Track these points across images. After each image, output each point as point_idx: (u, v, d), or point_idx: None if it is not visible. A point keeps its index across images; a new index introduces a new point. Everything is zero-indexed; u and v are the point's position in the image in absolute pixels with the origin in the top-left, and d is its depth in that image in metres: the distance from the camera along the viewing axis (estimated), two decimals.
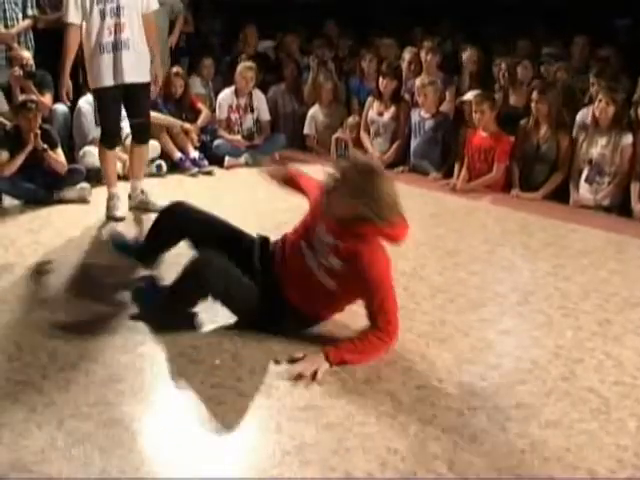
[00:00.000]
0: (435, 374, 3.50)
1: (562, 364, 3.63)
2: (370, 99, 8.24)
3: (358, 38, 10.32)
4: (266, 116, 8.47)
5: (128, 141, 6.94)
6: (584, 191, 6.60)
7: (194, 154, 7.74)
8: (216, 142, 8.09)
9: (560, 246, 5.45)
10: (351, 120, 8.34)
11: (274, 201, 6.45)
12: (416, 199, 6.48)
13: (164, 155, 7.62)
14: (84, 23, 5.66)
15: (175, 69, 8.12)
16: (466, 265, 4.95)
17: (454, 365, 3.59)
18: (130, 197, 6.28)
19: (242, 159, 8.02)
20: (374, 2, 11.56)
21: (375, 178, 3.55)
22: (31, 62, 7.45)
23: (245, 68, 8.26)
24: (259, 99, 8.42)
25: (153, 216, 5.34)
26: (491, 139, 6.92)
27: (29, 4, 7.84)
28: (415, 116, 7.68)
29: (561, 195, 6.77)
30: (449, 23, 10.64)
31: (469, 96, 7.34)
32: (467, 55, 8.45)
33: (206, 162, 7.73)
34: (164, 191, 6.59)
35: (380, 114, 8.08)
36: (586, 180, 6.60)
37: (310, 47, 10.08)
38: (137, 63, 5.77)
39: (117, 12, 5.63)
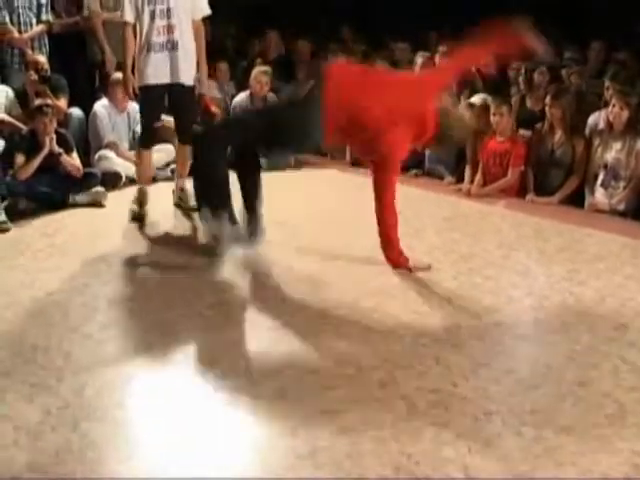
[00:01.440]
0: (450, 378, 3.49)
1: (577, 369, 3.61)
2: None
3: (372, 42, 10.32)
4: None
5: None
6: (599, 195, 6.57)
7: None
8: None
9: (575, 251, 5.43)
10: None
11: (289, 205, 6.50)
12: (430, 203, 6.48)
13: None
14: (137, 23, 5.87)
15: None
16: (481, 270, 4.93)
17: (469, 370, 3.58)
18: (173, 193, 6.48)
19: None
20: (389, 6, 11.57)
21: None
22: (46, 66, 7.48)
23: (260, 72, 8.27)
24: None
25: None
26: (506, 143, 6.90)
27: (44, 9, 7.87)
28: None
29: (576, 200, 6.74)
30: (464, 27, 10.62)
31: (476, 100, 7.32)
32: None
33: None
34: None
35: None
36: (601, 184, 6.58)
37: (324, 52, 10.07)
38: (185, 64, 5.92)
39: (167, 14, 5.81)
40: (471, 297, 4.47)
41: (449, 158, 7.49)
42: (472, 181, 7.05)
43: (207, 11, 6.08)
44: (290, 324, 4.06)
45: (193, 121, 6.30)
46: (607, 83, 7.13)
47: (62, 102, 7.49)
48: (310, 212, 6.29)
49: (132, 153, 7.25)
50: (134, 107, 7.23)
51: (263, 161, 7.90)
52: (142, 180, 6.32)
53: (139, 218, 6.06)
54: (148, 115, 6.17)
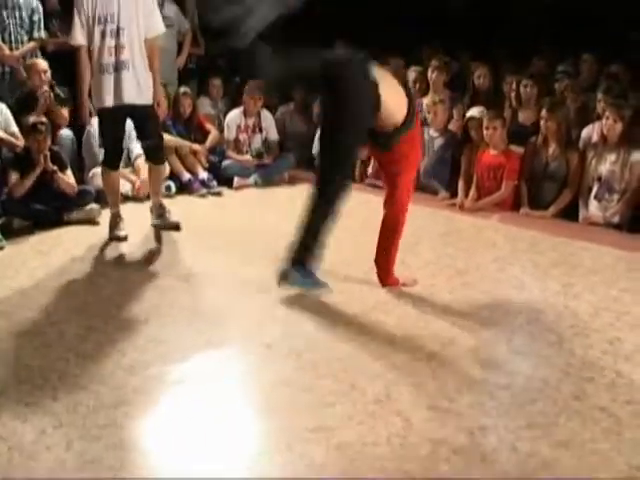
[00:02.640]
0: (445, 394, 3.48)
1: (573, 383, 3.61)
2: None
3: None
4: (274, 136, 8.48)
5: (138, 162, 7.01)
6: (593, 208, 6.58)
7: (203, 175, 7.77)
8: (225, 163, 8.12)
9: (570, 264, 5.43)
10: None
11: (283, 222, 6.46)
12: (425, 218, 6.48)
13: (173, 176, 7.63)
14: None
15: (183, 89, 8.19)
16: (476, 284, 4.94)
17: (464, 385, 3.57)
18: (151, 212, 6.41)
19: (251, 180, 8.04)
20: (382, 21, 11.60)
21: None
22: (49, 73, 7.52)
23: (253, 87, 8.30)
24: (267, 119, 8.45)
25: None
26: (500, 157, 6.91)
27: (36, 27, 7.87)
28: (424, 135, 7.68)
29: (570, 213, 6.75)
30: (457, 42, 10.68)
31: (475, 113, 7.34)
32: (478, 73, 8.47)
33: (215, 183, 7.77)
34: (173, 212, 6.59)
35: None
36: (595, 197, 6.59)
37: None
38: (138, 85, 5.83)
39: (117, 33, 5.72)
40: (466, 312, 4.48)
41: (443, 173, 7.50)
42: (466, 195, 7.06)
43: (161, 29, 6.01)
44: (285, 341, 4.06)
45: (158, 140, 6.19)
46: (600, 96, 7.14)
47: (65, 112, 7.57)
48: None
49: (126, 170, 7.26)
50: (129, 124, 7.25)
51: (257, 177, 8.01)
52: (111, 202, 6.25)
53: (119, 239, 6.04)
54: (106, 138, 6.12)
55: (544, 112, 6.90)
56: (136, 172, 7.23)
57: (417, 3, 11.04)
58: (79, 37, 5.75)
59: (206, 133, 8.23)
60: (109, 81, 5.75)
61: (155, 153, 6.18)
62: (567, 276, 5.15)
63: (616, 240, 6.04)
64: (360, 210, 5.50)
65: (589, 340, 4.11)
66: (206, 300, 4.73)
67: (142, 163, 7.07)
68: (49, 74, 7.56)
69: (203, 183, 7.71)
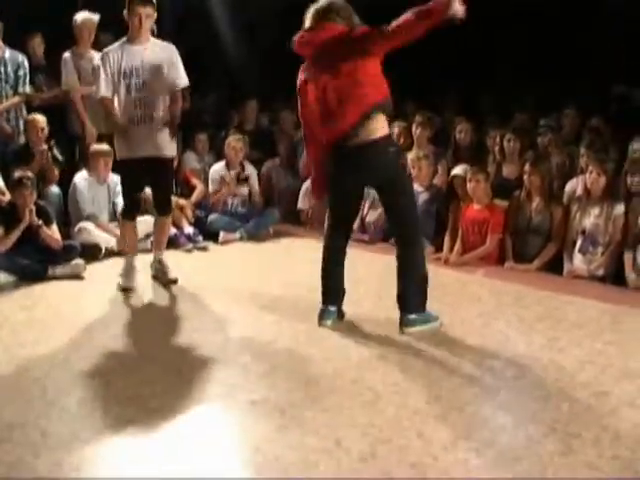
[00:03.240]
0: (430, 451, 3.46)
1: (559, 439, 3.59)
2: None
3: None
4: (257, 188, 8.58)
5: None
6: (578, 261, 6.61)
7: (189, 230, 7.79)
8: (211, 217, 8.14)
9: (555, 318, 5.44)
10: None
11: (269, 276, 6.51)
12: None
13: None
14: (115, 97, 5.98)
15: None
16: (461, 339, 4.92)
17: (449, 442, 3.55)
18: (151, 266, 6.46)
19: (237, 234, 8.06)
20: None
21: None
22: (47, 130, 7.64)
23: (234, 140, 8.40)
24: (250, 171, 8.50)
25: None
26: (485, 211, 6.95)
27: (21, 82, 7.92)
28: None
29: (555, 266, 6.78)
30: (441, 97, 10.81)
31: (459, 171, 7.38)
32: (460, 128, 8.55)
33: (201, 238, 7.78)
34: None
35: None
36: (580, 250, 6.62)
37: None
38: (160, 138, 5.99)
39: (143, 87, 5.91)
40: (451, 367, 4.46)
41: (428, 227, 7.52)
42: (451, 249, 7.08)
43: (185, 82, 6.12)
44: (269, 397, 4.04)
45: (170, 193, 6.44)
46: (583, 150, 7.21)
47: (56, 171, 7.73)
48: (290, 281, 6.29)
49: (112, 225, 7.28)
50: (114, 179, 7.27)
51: (243, 231, 8.03)
52: (128, 250, 6.36)
53: (126, 289, 6.07)
54: (129, 188, 6.19)
55: (527, 166, 6.96)
56: (120, 226, 7.22)
57: (399, 59, 11.11)
58: (104, 89, 5.89)
59: (192, 188, 8.28)
60: (133, 134, 5.92)
61: (166, 205, 6.33)
62: (552, 330, 5.15)
63: (600, 293, 6.06)
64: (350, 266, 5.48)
65: (575, 394, 4.10)
66: (190, 357, 4.70)
67: None
68: (47, 131, 7.62)
69: (189, 238, 7.72)
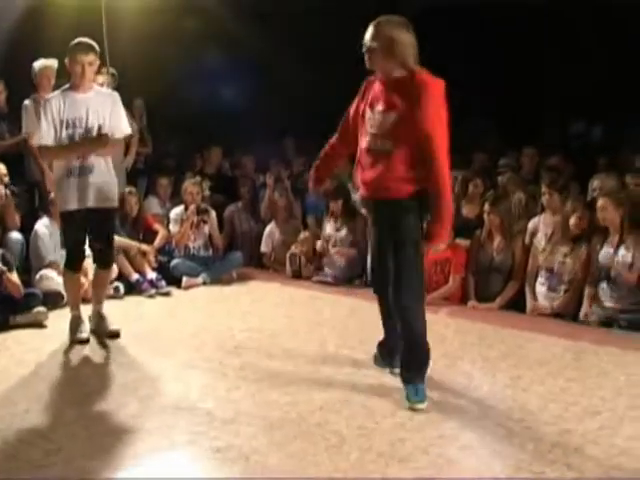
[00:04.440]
0: None
1: (524, 479, 3.59)
2: (327, 216, 8.31)
3: (315, 154, 10.49)
4: (217, 230, 8.61)
5: (86, 263, 6.98)
6: (541, 299, 6.67)
7: (151, 275, 7.76)
8: (173, 262, 8.13)
9: (518, 356, 5.46)
10: (303, 236, 8.40)
11: (232, 321, 6.48)
12: (374, 314, 6.44)
13: (121, 277, 7.61)
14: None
15: (128, 189, 8.24)
16: (426, 380, 4.92)
17: None
18: (90, 320, 6.24)
19: (200, 279, 8.04)
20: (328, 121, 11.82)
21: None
22: (7, 179, 7.59)
23: (190, 184, 8.46)
24: (209, 213, 8.50)
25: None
26: (446, 251, 6.97)
27: None
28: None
29: (518, 304, 6.83)
30: None
31: None
32: None
33: (164, 283, 7.75)
34: (122, 313, 6.57)
35: (337, 230, 8.16)
36: (542, 288, 6.68)
37: (266, 165, 10.23)
38: (102, 189, 5.85)
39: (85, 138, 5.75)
40: (415, 410, 4.45)
41: None
42: None
43: (126, 131, 6.03)
44: (234, 443, 4.00)
45: (112, 245, 6.22)
46: (544, 188, 7.28)
47: (17, 217, 7.66)
48: (253, 326, 6.27)
49: None
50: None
51: (206, 276, 8.01)
52: (73, 304, 6.18)
53: (81, 341, 5.98)
54: (69, 241, 6.07)
55: (487, 206, 7.03)
56: (84, 274, 7.19)
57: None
58: (47, 137, 5.72)
59: (154, 233, 8.26)
60: (74, 185, 5.77)
61: (106, 257, 6.13)
62: (516, 368, 5.17)
63: (563, 330, 6.11)
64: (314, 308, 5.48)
65: (539, 433, 4.11)
66: (153, 404, 4.65)
67: (88, 263, 7.06)
68: (7, 178, 7.59)
69: (152, 283, 7.69)
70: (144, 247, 7.94)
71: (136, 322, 6.53)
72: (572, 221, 6.62)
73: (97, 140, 5.72)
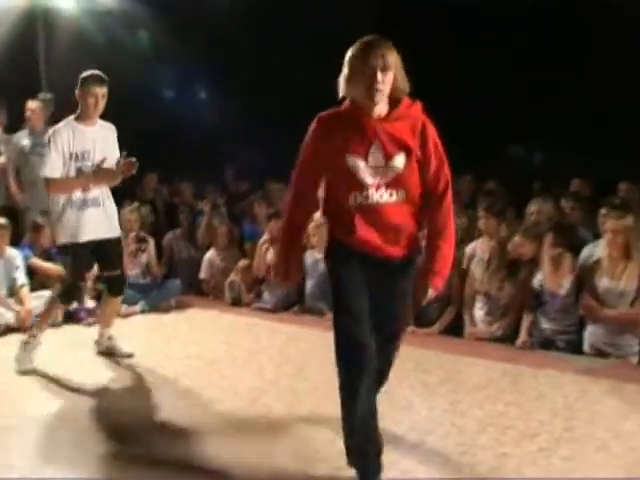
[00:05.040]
0: None
1: None
2: (265, 242, 8.28)
3: (254, 182, 10.53)
4: (155, 257, 8.59)
5: (23, 291, 6.92)
6: (479, 323, 6.72)
7: (89, 304, 7.66)
8: None
9: (457, 381, 5.49)
10: (242, 263, 8.37)
11: (170, 349, 6.44)
12: (312, 341, 6.51)
13: None
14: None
15: None
16: None
17: None
18: (97, 343, 6.35)
19: (138, 307, 7.99)
20: (267, 149, 11.89)
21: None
22: None
23: (128, 212, 8.40)
24: (148, 241, 8.46)
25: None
26: None
27: None
28: (309, 257, 7.77)
29: (457, 328, 6.87)
30: None
31: None
32: None
33: None
34: (60, 342, 6.50)
35: None
36: (481, 312, 6.73)
37: (203, 192, 10.21)
38: (107, 220, 5.89)
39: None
40: None
41: (329, 294, 7.53)
42: None
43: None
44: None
45: (123, 271, 6.24)
46: (481, 213, 7.33)
47: None
48: (191, 354, 6.24)
49: (10, 301, 7.13)
50: (12, 253, 7.18)
51: (144, 304, 7.94)
52: (42, 329, 6.12)
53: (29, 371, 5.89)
54: (74, 272, 5.98)
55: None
56: (20, 301, 7.12)
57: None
58: (56, 170, 5.68)
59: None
60: (80, 217, 5.76)
61: (119, 285, 6.17)
62: (454, 393, 5.20)
63: (501, 354, 6.16)
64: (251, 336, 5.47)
65: (476, 458, 4.13)
66: (87, 435, 4.59)
67: (26, 293, 7.00)
68: None
69: (89, 312, 7.59)
70: None
71: (74, 351, 6.46)
72: (510, 246, 6.71)
73: (110, 174, 5.75)
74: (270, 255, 8.17)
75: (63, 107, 9.48)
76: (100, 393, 5.34)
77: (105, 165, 5.75)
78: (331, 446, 4.30)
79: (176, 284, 8.43)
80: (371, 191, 3.67)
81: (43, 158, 5.84)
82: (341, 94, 3.74)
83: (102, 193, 5.85)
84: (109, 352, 6.25)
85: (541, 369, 5.71)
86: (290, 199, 3.95)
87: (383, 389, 5.20)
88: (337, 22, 10.25)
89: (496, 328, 6.63)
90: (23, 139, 8.74)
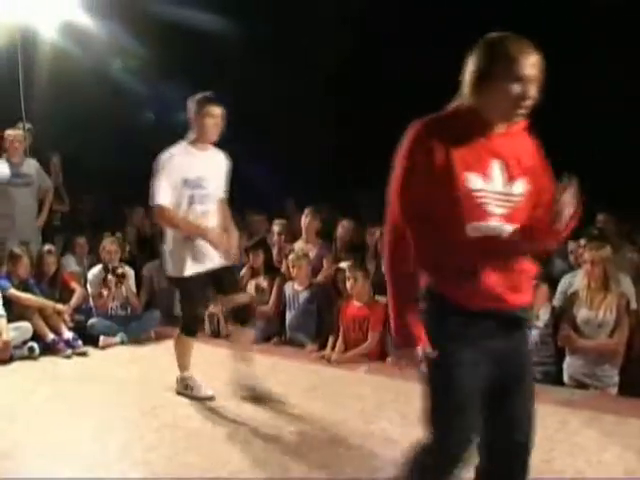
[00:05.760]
0: None
1: None
2: (245, 273, 8.26)
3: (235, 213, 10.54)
4: (134, 288, 8.54)
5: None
6: None
7: (68, 335, 7.61)
8: (90, 321, 8.01)
9: None
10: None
11: (149, 381, 6.40)
12: (292, 372, 6.50)
13: (36, 337, 7.45)
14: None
15: (47, 247, 8.17)
16: (344, 440, 4.90)
17: None
18: (241, 386, 5.81)
19: (117, 338, 7.93)
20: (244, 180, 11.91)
21: None
22: None
23: (108, 243, 8.37)
24: (127, 271, 8.42)
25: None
26: (365, 308, 7.01)
27: None
28: (289, 289, 7.77)
29: None
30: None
31: (343, 265, 7.47)
32: (342, 225, 8.64)
33: (80, 342, 7.60)
34: (37, 374, 6.46)
35: (256, 288, 8.12)
36: None
37: None
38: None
39: (205, 199, 5.55)
40: (334, 469, 4.43)
41: (309, 325, 7.56)
42: (334, 347, 7.09)
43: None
44: None
45: (245, 298, 6.03)
46: None
47: None
48: (171, 385, 6.19)
49: None
50: None
51: (123, 335, 7.90)
52: (185, 366, 5.96)
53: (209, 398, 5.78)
54: (193, 305, 5.83)
55: None
56: None
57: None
58: (164, 197, 5.43)
59: (71, 291, 8.14)
60: (196, 248, 5.55)
61: (246, 312, 5.89)
62: None
63: None
64: (221, 366, 5.42)
65: None
66: (66, 467, 4.54)
67: (3, 324, 6.96)
68: None
69: (68, 343, 7.54)
70: (59, 306, 7.80)
71: (52, 383, 6.41)
72: None
73: (220, 240, 5.54)
74: (250, 287, 8.15)
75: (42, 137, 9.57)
76: (78, 426, 5.30)
77: (211, 189, 5.59)
78: (309, 471, 4.29)
79: (155, 315, 8.39)
80: (497, 222, 2.88)
81: (153, 184, 5.46)
82: (463, 101, 2.92)
83: (216, 221, 5.64)
84: (258, 396, 5.72)
85: None
86: (391, 238, 3.04)
87: (362, 420, 5.23)
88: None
89: None
90: (1, 169, 8.68)
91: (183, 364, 5.94)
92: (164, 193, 5.42)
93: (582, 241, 6.63)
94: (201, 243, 5.51)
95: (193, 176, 5.49)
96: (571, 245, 7.16)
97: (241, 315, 5.82)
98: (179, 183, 5.46)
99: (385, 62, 11.78)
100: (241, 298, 5.91)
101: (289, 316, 7.74)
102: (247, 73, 12.28)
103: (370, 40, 12.06)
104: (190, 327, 5.85)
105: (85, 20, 10.40)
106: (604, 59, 10.49)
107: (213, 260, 5.61)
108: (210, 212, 5.61)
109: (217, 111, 5.49)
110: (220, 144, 5.71)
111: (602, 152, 10.52)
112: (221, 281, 5.76)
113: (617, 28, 10.50)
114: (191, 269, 5.58)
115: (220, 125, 5.54)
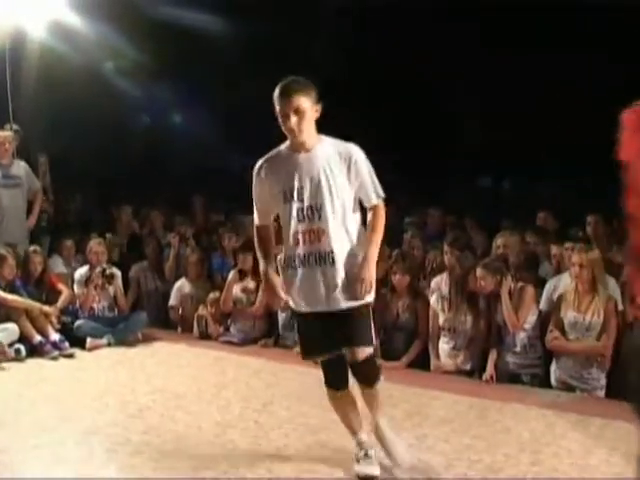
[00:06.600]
0: None
1: None
2: (233, 275, 8.22)
3: (225, 214, 10.53)
4: (122, 289, 8.52)
5: None
6: (444, 357, 6.72)
7: (54, 336, 7.57)
8: (77, 323, 7.97)
9: (423, 415, 5.48)
10: (211, 296, 8.30)
11: (136, 383, 6.38)
12: (281, 375, 6.48)
13: (23, 339, 7.42)
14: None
15: (33, 248, 8.16)
16: (330, 442, 4.89)
17: None
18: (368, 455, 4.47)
19: (104, 340, 7.90)
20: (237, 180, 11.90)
21: None
22: None
23: (95, 244, 8.35)
24: (114, 272, 8.40)
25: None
26: None
27: None
28: None
29: (424, 361, 6.86)
30: None
31: None
32: None
33: (67, 344, 7.57)
34: (23, 376, 6.42)
35: (243, 290, 8.08)
36: (446, 346, 6.73)
37: (172, 223, 10.17)
38: (344, 283, 4.14)
39: (311, 214, 4.15)
40: (317, 471, 4.43)
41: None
42: None
43: (381, 193, 4.29)
44: None
45: (373, 355, 4.37)
46: (446, 247, 7.32)
47: None
48: (157, 388, 6.19)
49: None
50: None
51: (110, 337, 7.87)
52: (352, 429, 4.56)
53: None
54: (309, 349, 4.44)
55: (393, 265, 7.06)
56: None
57: None
58: (256, 219, 4.38)
59: (58, 293, 8.11)
60: (299, 279, 4.21)
61: (371, 370, 4.38)
62: (420, 427, 5.19)
63: (468, 387, 6.17)
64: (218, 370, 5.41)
65: None
66: (53, 472, 4.52)
67: None
68: None
69: (54, 345, 7.50)
70: (46, 308, 7.76)
71: (38, 385, 6.39)
72: (470, 279, 6.72)
73: (274, 292, 4.30)
74: (238, 288, 8.12)
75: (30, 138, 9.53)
76: (64, 428, 5.27)
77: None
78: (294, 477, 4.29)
79: (142, 317, 8.36)
80: None
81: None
82: None
83: (340, 247, 4.15)
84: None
85: (507, 403, 5.72)
86: None
87: None
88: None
89: (462, 361, 6.63)
90: None
91: (349, 428, 4.63)
92: (256, 213, 4.42)
93: (568, 244, 6.64)
94: (312, 274, 4.23)
95: (288, 186, 4.21)
96: (554, 249, 7.19)
97: (368, 372, 4.38)
98: (268, 197, 4.31)
99: (385, 62, 11.78)
100: None
101: (281, 317, 7.71)
102: (242, 74, 12.25)
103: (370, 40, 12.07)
104: (327, 377, 4.49)
105: (74, 19, 10.34)
106: None
107: (322, 302, 4.25)
108: (325, 231, 4.15)
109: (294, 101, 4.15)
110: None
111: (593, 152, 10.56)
112: (342, 328, 4.23)
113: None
114: (295, 304, 4.35)
115: (308, 117, 4.17)
